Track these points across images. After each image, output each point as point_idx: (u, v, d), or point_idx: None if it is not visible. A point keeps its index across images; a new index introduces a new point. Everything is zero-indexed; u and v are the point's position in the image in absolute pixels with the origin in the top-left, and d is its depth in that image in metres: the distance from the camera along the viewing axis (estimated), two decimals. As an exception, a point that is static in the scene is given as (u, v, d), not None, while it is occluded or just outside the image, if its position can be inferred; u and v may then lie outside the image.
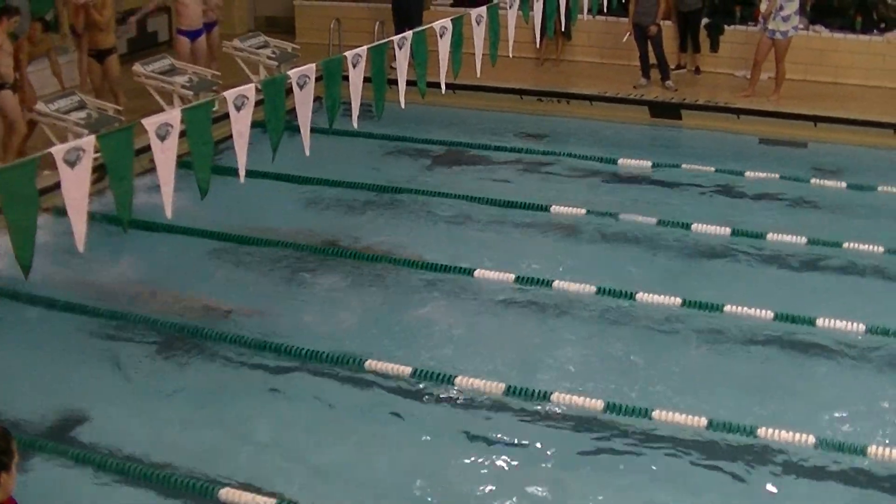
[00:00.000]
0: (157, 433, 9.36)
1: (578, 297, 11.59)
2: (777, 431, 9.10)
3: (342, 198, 14.50)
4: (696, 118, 18.34)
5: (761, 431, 9.12)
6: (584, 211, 13.88)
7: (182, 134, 7.72)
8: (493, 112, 18.75)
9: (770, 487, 8.76)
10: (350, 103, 9.98)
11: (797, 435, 9.05)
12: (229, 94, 8.42)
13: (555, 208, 13.96)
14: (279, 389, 10.06)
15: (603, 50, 21.02)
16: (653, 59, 19.31)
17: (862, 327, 10.83)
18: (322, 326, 11.11)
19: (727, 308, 11.18)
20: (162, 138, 7.58)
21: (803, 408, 9.77)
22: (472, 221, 13.88)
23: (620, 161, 15.86)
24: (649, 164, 15.71)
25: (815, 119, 17.77)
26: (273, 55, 18.38)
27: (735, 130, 17.82)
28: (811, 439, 9.02)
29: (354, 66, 10.30)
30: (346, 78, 10.19)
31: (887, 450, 8.91)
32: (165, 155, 7.68)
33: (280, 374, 10.29)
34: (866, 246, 12.78)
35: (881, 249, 12.74)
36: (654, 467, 9.00)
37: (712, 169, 15.41)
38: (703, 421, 9.27)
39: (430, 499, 8.55)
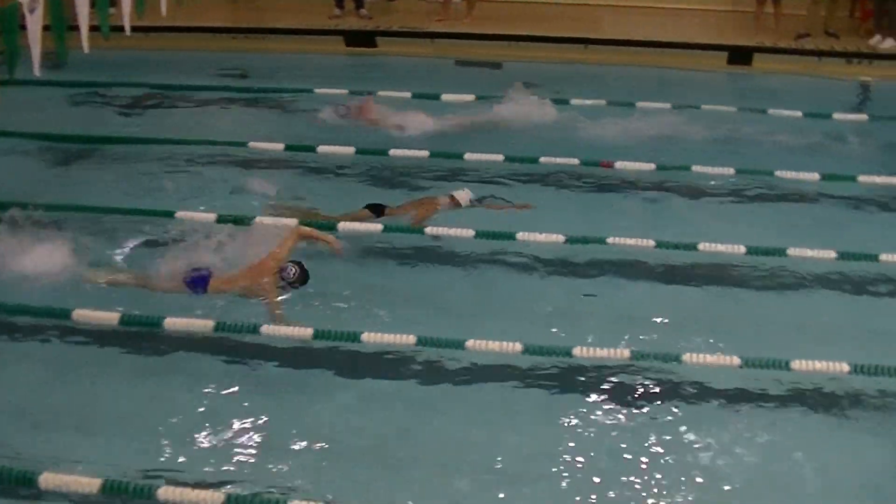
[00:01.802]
0: None
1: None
2: (485, 343, 9.25)
3: (31, 150, 13.85)
4: (392, 45, 18.41)
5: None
6: (282, 146, 13.74)
7: None
8: (188, 52, 18.36)
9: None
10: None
11: (505, 344, 9.23)
12: None
13: (253, 144, 13.77)
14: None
15: (296, -18, 20.89)
16: (347, -11, 19.31)
17: (561, 238, 11.08)
18: (24, 282, 10.62)
19: (427, 229, 11.31)
20: None
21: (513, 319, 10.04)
22: (174, 164, 13.48)
23: (317, 92, 15.74)
24: (346, 92, 15.65)
25: (509, 38, 18.06)
26: (-50, 7, 17.55)
27: (431, 54, 17.95)
28: (517, 347, 9.23)
29: (31, 13, 9.96)
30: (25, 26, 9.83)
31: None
32: None
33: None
34: (562, 159, 13.10)
35: (576, 161, 13.09)
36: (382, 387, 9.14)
37: (409, 94, 15.46)
38: (411, 339, 9.35)
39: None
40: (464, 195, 11.84)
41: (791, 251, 11.01)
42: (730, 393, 9.02)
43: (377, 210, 11.73)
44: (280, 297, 9.98)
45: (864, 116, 15.65)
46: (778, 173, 12.85)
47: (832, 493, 7.99)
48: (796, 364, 9.09)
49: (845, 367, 9.06)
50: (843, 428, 8.64)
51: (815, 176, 12.86)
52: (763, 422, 8.68)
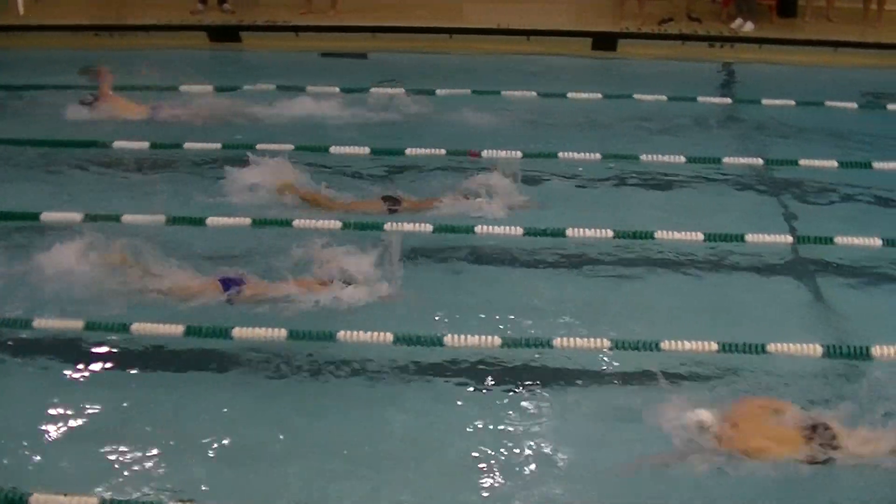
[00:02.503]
0: None
1: (146, 227, 11.22)
2: (356, 333, 9.27)
3: None
4: (257, 39, 18.21)
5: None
6: (147, 144, 13.49)
7: None
8: (49, 51, 17.91)
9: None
10: None
11: (374, 334, 9.26)
12: None
13: (117, 143, 13.50)
14: None
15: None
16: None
17: (429, 227, 11.14)
18: None
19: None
20: None
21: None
22: (37, 166, 13.14)
23: (182, 89, 15.46)
24: (210, 88, 15.42)
25: (374, 30, 18.00)
26: None
27: (297, 48, 17.80)
28: (388, 337, 9.17)
29: None
30: None
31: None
32: None
33: None
34: (427, 150, 13.10)
35: (443, 152, 13.08)
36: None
37: (273, 86, 15.28)
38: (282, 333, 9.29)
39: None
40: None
41: (659, 234, 11.12)
42: (601, 375, 9.08)
43: (393, 202, 11.71)
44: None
45: (727, 99, 15.86)
46: (643, 157, 12.95)
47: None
48: (665, 345, 9.18)
49: (714, 346, 9.17)
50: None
51: (681, 159, 12.99)
52: (635, 402, 8.65)
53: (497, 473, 7.97)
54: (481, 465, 8.03)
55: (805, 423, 7.98)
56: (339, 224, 11.15)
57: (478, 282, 10.56)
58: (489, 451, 8.14)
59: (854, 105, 15.21)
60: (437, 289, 10.33)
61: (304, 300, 9.75)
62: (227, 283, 9.86)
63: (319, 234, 10.60)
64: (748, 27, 18.51)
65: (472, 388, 8.88)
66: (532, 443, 8.26)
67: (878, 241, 11.11)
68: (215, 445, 8.24)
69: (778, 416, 8.12)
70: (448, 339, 9.24)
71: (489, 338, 9.26)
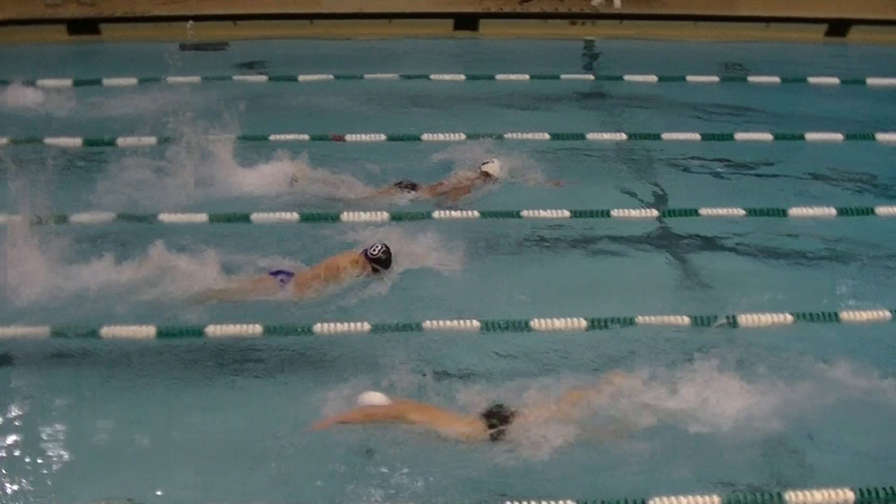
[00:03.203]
0: None
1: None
2: (224, 328, 9.27)
3: None
4: (117, 31, 17.89)
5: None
6: (6, 140, 13.18)
7: None
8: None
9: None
10: None
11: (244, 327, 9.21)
12: None
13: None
14: None
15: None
16: (63, -23, 18.66)
17: (295, 217, 11.18)
18: None
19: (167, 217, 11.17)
20: None
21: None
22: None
23: (39, 83, 15.09)
24: (70, 82, 15.10)
25: (234, 18, 17.82)
26: None
27: (156, 39, 17.53)
28: (257, 329, 9.09)
29: None
30: None
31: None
32: None
33: None
34: (293, 135, 13.04)
35: (307, 136, 13.06)
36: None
37: (135, 80, 15.05)
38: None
39: None
40: (495, 167, 11.85)
41: (525, 213, 11.21)
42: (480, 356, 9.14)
43: (410, 187, 11.70)
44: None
45: (590, 76, 15.98)
46: (508, 135, 13.05)
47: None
48: (535, 323, 9.34)
49: (583, 323, 9.33)
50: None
51: (545, 136, 13.12)
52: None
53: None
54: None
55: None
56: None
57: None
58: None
59: (715, 78, 15.44)
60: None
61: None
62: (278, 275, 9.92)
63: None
64: (615, 3, 18.53)
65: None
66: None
67: (741, 211, 11.33)
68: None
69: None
70: (317, 327, 9.32)
71: (357, 324, 9.31)
